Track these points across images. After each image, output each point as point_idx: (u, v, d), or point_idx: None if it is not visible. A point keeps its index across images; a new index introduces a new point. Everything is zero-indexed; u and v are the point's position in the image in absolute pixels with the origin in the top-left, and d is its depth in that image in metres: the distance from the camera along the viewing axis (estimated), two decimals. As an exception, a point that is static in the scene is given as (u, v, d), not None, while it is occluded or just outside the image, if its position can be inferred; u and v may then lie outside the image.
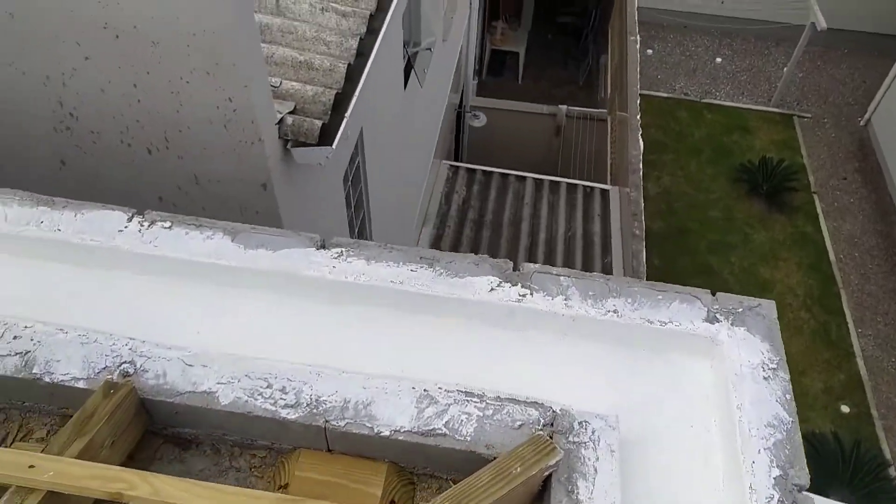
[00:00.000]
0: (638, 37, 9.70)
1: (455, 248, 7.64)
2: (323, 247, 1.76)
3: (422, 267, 1.71)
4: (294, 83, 3.01)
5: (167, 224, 1.80)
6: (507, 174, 8.60)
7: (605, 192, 8.32)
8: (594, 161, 9.51)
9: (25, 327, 1.57)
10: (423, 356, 1.62)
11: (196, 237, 1.77)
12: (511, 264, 1.72)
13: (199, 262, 1.73)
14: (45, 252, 1.75)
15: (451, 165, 8.68)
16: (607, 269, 7.25)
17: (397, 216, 6.29)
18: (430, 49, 5.76)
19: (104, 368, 1.51)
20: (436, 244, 7.66)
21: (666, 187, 12.39)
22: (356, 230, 4.61)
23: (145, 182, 2.90)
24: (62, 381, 1.49)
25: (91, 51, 2.42)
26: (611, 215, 7.95)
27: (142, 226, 1.79)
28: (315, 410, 1.45)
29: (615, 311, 1.62)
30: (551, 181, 8.50)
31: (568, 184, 8.44)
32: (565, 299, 1.64)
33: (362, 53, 3.32)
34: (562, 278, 1.68)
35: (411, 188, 7.11)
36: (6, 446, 1.54)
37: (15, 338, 1.55)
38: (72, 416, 1.56)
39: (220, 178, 2.83)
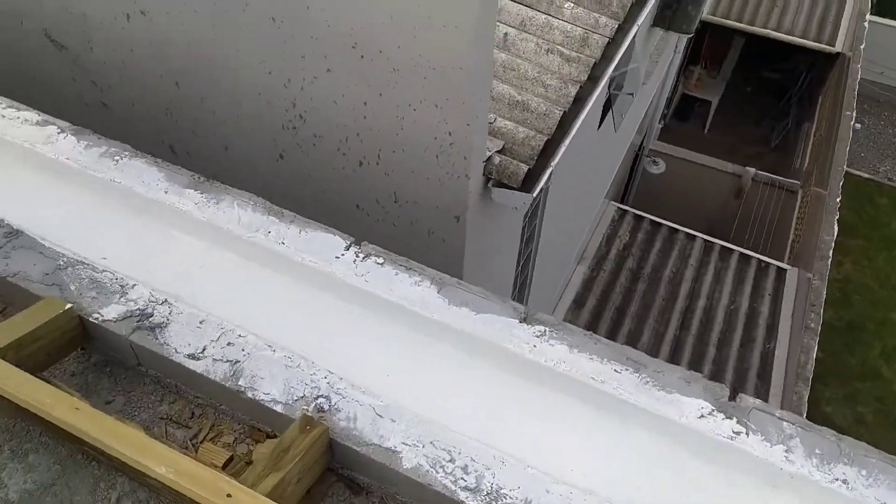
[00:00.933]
0: (854, 112, 8.85)
1: (606, 294, 7.38)
2: (526, 321, 1.69)
3: (627, 369, 1.60)
4: (507, 122, 2.99)
5: (380, 261, 1.82)
6: (677, 229, 8.17)
7: (781, 272, 7.66)
8: (774, 234, 8.81)
9: (239, 336, 1.65)
10: (612, 469, 1.50)
11: (404, 280, 1.78)
12: (727, 392, 1.56)
13: (402, 307, 1.73)
14: (268, 261, 1.83)
15: (620, 208, 8.40)
16: (768, 357, 6.67)
17: (557, 250, 6.16)
18: (631, 94, 5.58)
19: (301, 398, 1.54)
20: (587, 285, 7.44)
21: (846, 275, 11.25)
22: (521, 263, 4.55)
23: (349, 189, 3.01)
24: (262, 399, 1.53)
25: (335, 65, 2.53)
26: (783, 298, 7.31)
27: (357, 257, 1.82)
28: (494, 502, 1.39)
29: (844, 482, 1.41)
30: (723, 247, 7.97)
31: (741, 253, 7.87)
32: (786, 451, 1.46)
33: (579, 99, 3.24)
34: (785, 424, 1.50)
35: (577, 225, 6.95)
36: (196, 442, 1.62)
37: (229, 344, 1.63)
38: (259, 430, 1.60)
39: (417, 201, 2.87)
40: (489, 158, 2.82)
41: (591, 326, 7.03)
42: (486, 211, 3.02)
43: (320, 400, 1.53)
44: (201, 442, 1.62)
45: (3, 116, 2.12)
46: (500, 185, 2.84)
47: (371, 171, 2.87)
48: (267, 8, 2.49)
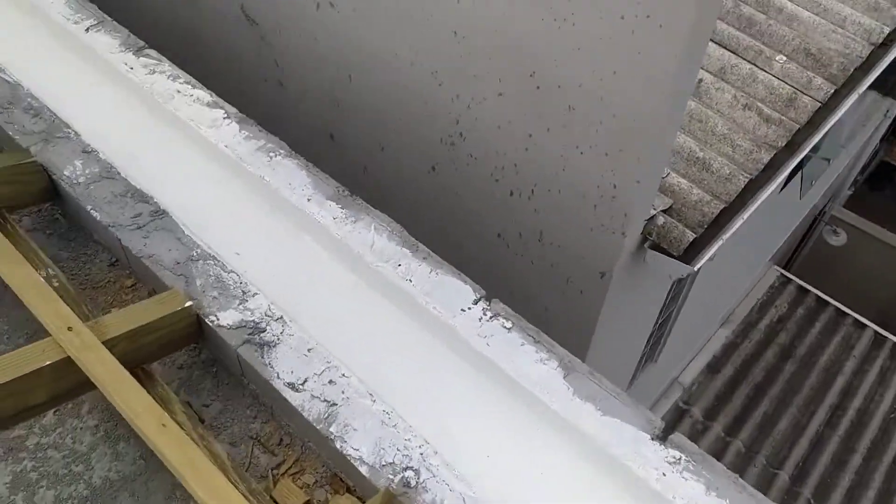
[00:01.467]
0: None
1: (747, 365, 6.72)
2: (660, 439, 1.44)
3: (771, 535, 1.31)
4: (682, 179, 2.69)
5: (508, 325, 1.64)
6: (846, 312, 7.27)
7: (964, 390, 6.59)
8: (964, 344, 7.59)
9: (343, 375, 1.54)
10: None
11: (529, 353, 1.59)
12: None
13: (521, 385, 1.54)
14: (391, 296, 1.72)
15: (782, 275, 7.61)
16: (926, 486, 5.75)
17: (701, 309, 5.66)
18: (828, 160, 4.96)
19: (390, 464, 1.40)
20: (727, 351, 6.81)
21: None
22: (659, 322, 4.19)
23: (494, 216, 2.85)
24: (349, 455, 1.41)
25: (507, 90, 2.37)
26: (960, 421, 6.28)
27: (484, 314, 1.65)
28: None
29: None
30: (896, 344, 6.99)
31: (918, 358, 6.86)
32: None
33: (770, 167, 2.86)
34: None
35: (730, 286, 6.36)
36: (277, 474, 1.53)
37: (330, 382, 1.53)
38: (342, 480, 1.49)
39: (562, 245, 2.66)
40: (652, 217, 2.54)
41: (723, 397, 6.44)
42: (635, 271, 2.74)
43: (408, 473, 1.39)
44: (282, 474, 1.54)
45: (179, 92, 2.16)
46: (658, 248, 2.56)
47: (521, 204, 2.69)
48: (451, 21, 2.38)
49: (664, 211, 2.59)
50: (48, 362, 1.33)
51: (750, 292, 7.28)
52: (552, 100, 2.25)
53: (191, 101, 2.14)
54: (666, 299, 3.72)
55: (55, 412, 1.58)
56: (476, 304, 1.67)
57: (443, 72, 2.58)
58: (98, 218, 1.80)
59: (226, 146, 2.01)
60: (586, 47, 2.04)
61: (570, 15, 2.02)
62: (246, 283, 1.70)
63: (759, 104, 2.94)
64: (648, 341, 4.30)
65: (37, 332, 1.58)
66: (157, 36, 4.37)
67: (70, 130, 2.02)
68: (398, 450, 1.43)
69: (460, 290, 1.70)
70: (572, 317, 2.91)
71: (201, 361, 1.73)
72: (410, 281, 1.71)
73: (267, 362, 1.54)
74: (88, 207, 1.82)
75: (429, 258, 1.77)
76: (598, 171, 2.28)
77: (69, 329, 1.38)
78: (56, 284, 1.66)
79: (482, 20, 2.29)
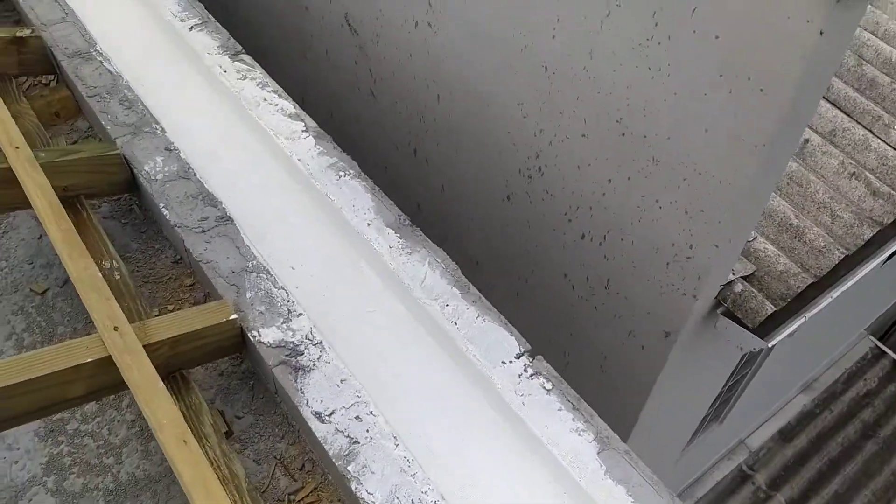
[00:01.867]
0: None
1: (823, 438, 6.26)
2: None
3: None
4: (769, 245, 2.52)
5: (548, 386, 1.57)
6: (945, 400, 6.65)
7: None
8: None
9: (371, 413, 1.51)
10: None
11: (565, 421, 1.51)
12: None
13: (551, 452, 1.47)
14: (433, 335, 1.68)
15: (877, 346, 7.05)
16: None
17: (778, 374, 5.31)
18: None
19: (402, 515, 1.36)
20: (803, 420, 6.38)
21: None
22: (728, 386, 3.95)
23: (562, 256, 2.77)
24: (363, 497, 1.38)
25: (591, 132, 2.29)
26: None
27: (524, 371, 1.59)
28: None
29: None
30: None
31: None
32: None
33: (871, 244, 2.63)
34: None
35: (815, 354, 5.95)
36: (294, 500, 1.52)
37: (357, 418, 1.50)
38: (355, 518, 1.46)
39: (629, 297, 2.54)
40: (730, 283, 2.38)
41: (792, 468, 6.03)
42: (703, 335, 2.58)
43: (419, 528, 1.34)
44: (298, 501, 1.53)
45: (265, 100, 2.21)
46: (732, 317, 2.40)
47: (591, 248, 2.59)
48: (543, 55, 2.32)
49: (744, 277, 2.43)
50: (89, 359, 1.37)
51: (838, 361, 6.79)
52: (636, 149, 2.15)
53: (274, 110, 2.18)
54: (737, 366, 3.50)
55: (97, 401, 1.64)
56: (518, 358, 1.61)
57: (529, 104, 2.53)
58: (167, 216, 1.86)
59: (299, 160, 2.04)
60: (679, 101, 1.94)
61: (667, 66, 1.92)
62: (293, 301, 1.70)
63: (869, 174, 2.71)
64: (714, 402, 4.06)
65: (91, 322, 1.64)
66: (264, 37, 4.56)
67: (157, 126, 2.10)
68: (412, 501, 1.38)
69: (504, 341, 1.64)
70: (631, 370, 2.78)
71: (241, 372, 1.75)
72: (455, 324, 1.67)
73: (299, 387, 1.53)
74: (161, 205, 1.88)
75: (478, 302, 1.72)
76: (676, 229, 2.16)
77: (115, 329, 1.42)
78: (117, 277, 1.72)
79: (574, 59, 2.22)
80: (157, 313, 1.86)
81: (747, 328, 2.34)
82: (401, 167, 3.70)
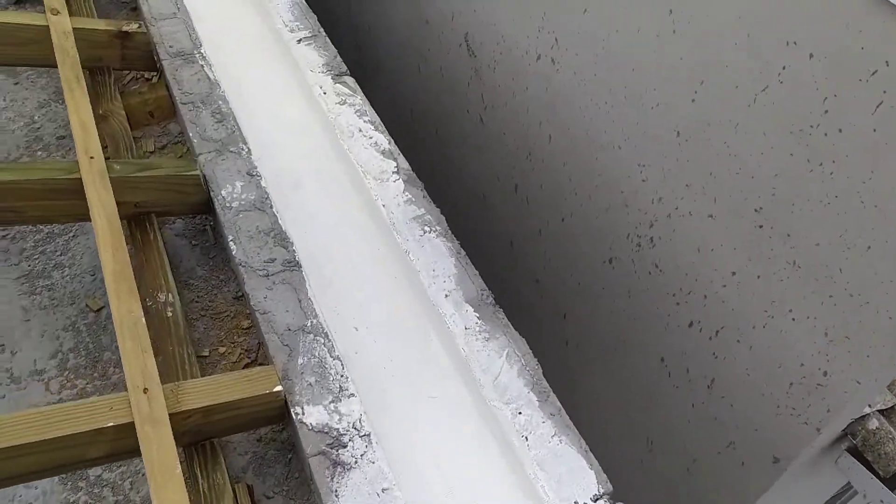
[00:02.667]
0: None
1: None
2: None
3: None
4: (918, 376, 2.09)
5: (626, 545, 1.28)
6: None
7: None
8: None
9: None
10: None
11: None
12: None
13: None
14: (498, 449, 1.43)
15: None
16: None
17: None
18: None
19: None
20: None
21: None
22: None
23: (664, 339, 2.44)
24: None
25: (722, 215, 1.96)
26: None
27: (599, 518, 1.31)
28: None
29: None
30: None
31: None
32: None
33: None
34: None
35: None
36: None
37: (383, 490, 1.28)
38: None
39: (734, 405, 2.19)
40: (863, 416, 1.99)
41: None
42: (820, 466, 2.19)
43: None
44: None
45: (360, 131, 2.03)
46: (859, 456, 2.00)
47: (698, 340, 2.25)
48: (679, 119, 2.01)
49: (883, 412, 2.02)
50: (111, 424, 1.22)
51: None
52: (774, 247, 1.81)
53: (368, 143, 2.00)
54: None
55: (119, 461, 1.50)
56: (595, 502, 1.33)
57: (651, 168, 2.22)
58: (234, 251, 1.71)
59: (383, 205, 1.84)
60: (841, 206, 1.59)
61: (832, 162, 1.58)
62: (347, 377, 1.50)
63: None
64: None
65: (130, 366, 1.51)
66: (380, 44, 4.44)
67: (244, 147, 1.96)
68: None
69: (581, 474, 1.37)
70: (724, 483, 2.42)
71: (281, 441, 1.57)
72: (526, 440, 1.41)
73: (334, 488, 1.33)
74: (229, 238, 1.73)
75: (557, 416, 1.45)
76: (809, 349, 1.80)
77: (144, 391, 1.27)
78: (169, 314, 1.59)
79: (714, 130, 1.90)
80: (206, 354, 1.72)
81: (878, 476, 1.94)
82: (499, 200, 3.46)
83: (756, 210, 1.85)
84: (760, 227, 1.85)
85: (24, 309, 1.75)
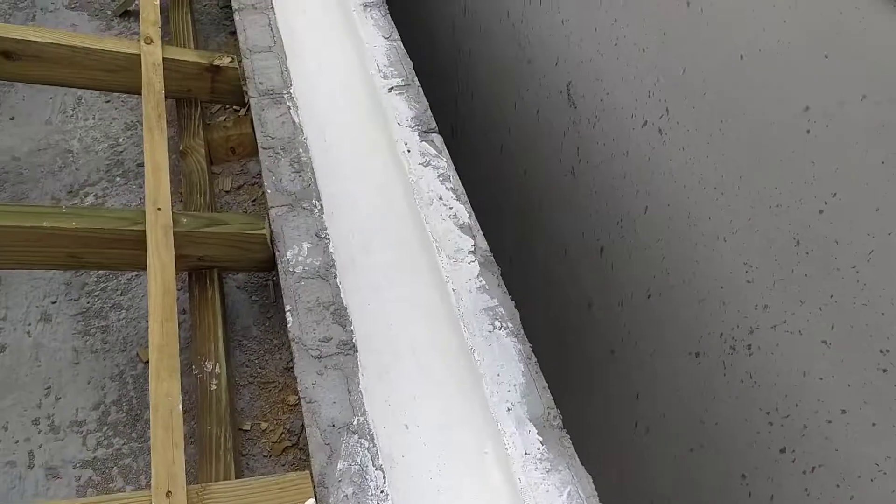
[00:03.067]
0: None
1: None
2: None
3: None
4: None
5: None
6: None
7: None
8: None
9: None
10: None
11: None
12: None
13: None
14: None
15: None
16: None
17: None
18: None
19: None
20: None
21: None
22: None
23: (747, 453, 2.18)
24: None
25: (839, 345, 1.70)
26: None
27: None
28: None
29: None
30: None
31: None
32: None
33: None
34: None
35: None
36: None
37: None
38: None
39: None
40: None
41: None
42: None
43: None
44: None
45: (440, 199, 1.89)
46: None
47: (790, 471, 1.99)
48: (800, 226, 1.76)
49: None
50: (127, 530, 1.13)
51: None
52: (901, 403, 1.54)
53: (446, 214, 1.85)
54: None
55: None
56: None
57: (760, 271, 1.97)
58: (290, 324, 1.60)
59: (454, 289, 1.69)
60: None
61: None
62: (387, 493, 1.36)
63: None
64: None
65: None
66: (480, 74, 4.30)
67: (317, 203, 1.86)
68: None
69: None
70: None
71: (309, 545, 1.44)
72: None
73: None
74: (288, 307, 1.63)
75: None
76: None
77: (168, 494, 1.17)
78: (213, 388, 1.49)
79: (843, 251, 1.64)
80: (247, 428, 1.62)
81: None
82: (581, 259, 3.25)
83: (882, 352, 1.58)
84: (885, 371, 1.58)
85: (76, 351, 1.71)
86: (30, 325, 1.73)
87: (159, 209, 1.59)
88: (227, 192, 2.09)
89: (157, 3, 2.15)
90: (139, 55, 1.97)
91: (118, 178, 2.11)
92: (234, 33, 2.63)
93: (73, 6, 2.74)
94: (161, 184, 1.62)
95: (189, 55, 2.08)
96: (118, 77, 2.00)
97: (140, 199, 2.05)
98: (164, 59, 2.00)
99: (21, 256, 1.51)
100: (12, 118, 2.27)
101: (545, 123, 3.43)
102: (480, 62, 4.33)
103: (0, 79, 1.97)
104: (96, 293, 1.81)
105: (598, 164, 2.94)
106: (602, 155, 2.88)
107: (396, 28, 2.59)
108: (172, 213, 1.62)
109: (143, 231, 1.56)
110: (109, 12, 2.74)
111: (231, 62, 2.15)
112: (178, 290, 1.61)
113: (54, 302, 1.78)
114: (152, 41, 2.01)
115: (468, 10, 4.42)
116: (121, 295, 1.82)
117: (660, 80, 2.35)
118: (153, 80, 1.89)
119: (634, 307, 2.84)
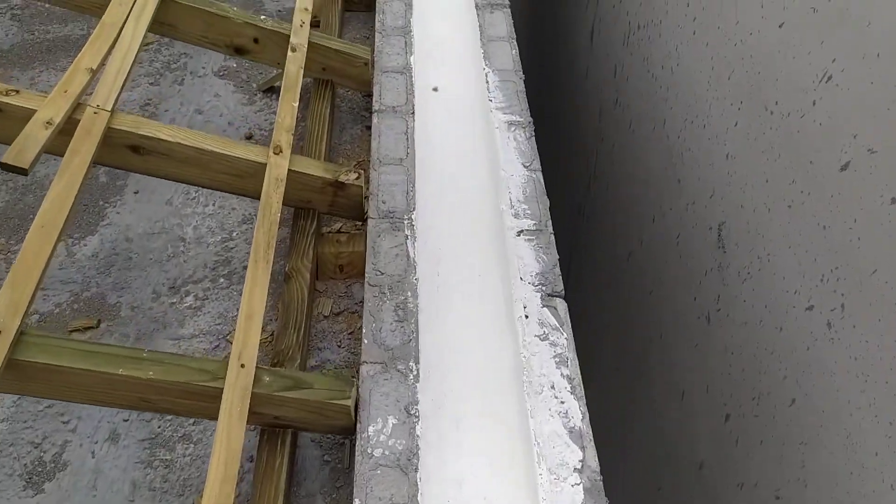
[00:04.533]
0: None
1: None
2: None
3: None
4: None
5: None
6: None
7: None
8: None
9: None
10: None
11: None
12: None
13: None
14: None
15: None
16: None
17: None
18: None
19: None
20: None
21: None
22: None
23: None
24: None
25: None
26: None
27: None
28: None
29: None
30: None
31: None
32: None
33: None
34: None
35: None
36: None
37: None
38: None
39: None
40: None
41: None
42: None
43: None
44: None
45: (552, 388, 1.63)
46: None
47: None
48: None
49: None
50: None
51: None
52: None
53: (556, 411, 1.59)
54: None
55: None
56: None
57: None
58: (353, 522, 1.40)
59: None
60: None
61: None
62: None
63: None
64: None
65: None
66: (621, 178, 4.01)
67: (413, 367, 1.66)
68: None
69: None
70: None
71: None
72: None
73: None
74: (356, 500, 1.43)
75: None
76: None
77: None
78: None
79: None
80: None
81: None
82: (700, 419, 2.86)
83: None
84: None
85: (134, 485, 1.60)
86: (96, 443, 1.64)
87: (243, 365, 1.45)
88: (325, 316, 1.94)
89: (296, 105, 2.06)
90: (265, 165, 1.87)
91: (222, 279, 2.02)
92: (369, 128, 2.51)
93: (221, 73, 2.75)
94: (251, 337, 1.48)
95: (315, 167, 1.96)
96: (243, 182, 1.91)
97: (237, 307, 1.95)
98: (289, 170, 1.89)
99: (92, 395, 1.42)
100: (136, 192, 2.26)
101: (685, 253, 3.08)
102: (623, 159, 4.03)
103: (125, 169, 1.94)
104: (169, 418, 1.70)
105: (741, 323, 2.57)
106: (748, 316, 2.51)
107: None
108: (256, 369, 1.47)
109: (220, 388, 1.42)
110: (255, 85, 2.72)
111: (357, 178, 2.01)
112: (245, 441, 1.46)
113: (126, 420, 1.69)
114: (281, 151, 1.90)
115: (619, 103, 4.15)
116: (192, 424, 1.70)
117: (839, 270, 1.98)
118: (272, 199, 1.77)
119: (762, 499, 2.44)
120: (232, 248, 2.11)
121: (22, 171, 1.54)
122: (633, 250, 3.84)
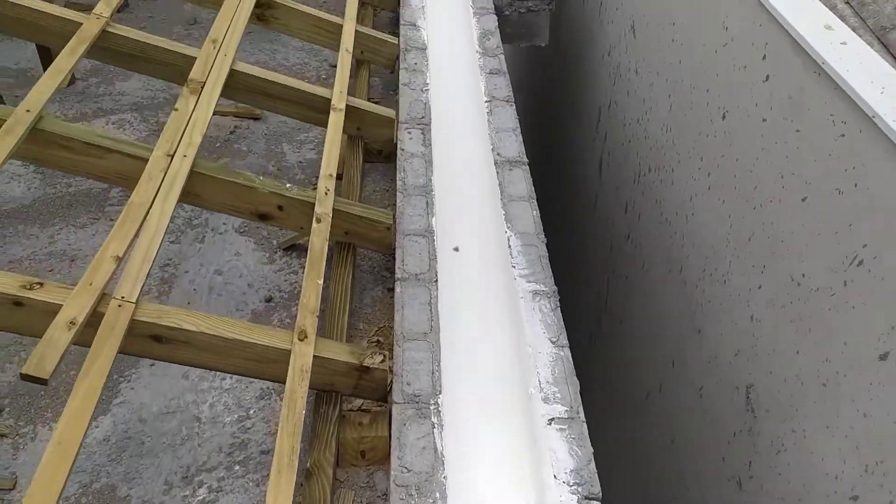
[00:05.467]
0: None
1: None
2: None
3: None
4: None
5: None
6: None
7: None
8: None
9: None
10: None
11: None
12: None
13: None
14: None
15: None
16: None
17: None
18: None
19: None
20: None
21: None
22: None
23: None
24: None
25: None
26: None
27: None
28: None
29: None
30: None
31: None
32: None
33: None
34: None
35: None
36: None
37: None
38: None
39: None
40: None
41: None
42: None
43: None
44: None
45: None
46: None
47: None
48: None
49: None
50: None
51: None
52: None
53: None
54: None
55: None
56: None
57: None
58: None
59: None
60: None
61: None
62: None
63: None
64: None
65: None
66: (622, 322, 3.97)
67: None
68: None
69: None
70: None
71: None
72: None
73: None
74: None
75: None
76: None
77: None
78: None
79: None
80: None
81: None
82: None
83: None
84: None
85: None
86: None
87: None
88: (346, 512, 1.83)
89: (321, 282, 2.04)
90: (289, 352, 1.82)
91: (237, 467, 1.92)
92: (391, 290, 2.48)
93: (242, 230, 2.76)
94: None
95: (340, 352, 1.91)
96: (267, 368, 1.86)
97: (252, 500, 1.84)
98: (314, 356, 1.84)
99: None
100: (152, 364, 2.20)
101: (710, 407, 2.99)
102: (637, 296, 4.01)
103: (146, 357, 1.89)
104: None
105: (777, 498, 2.45)
106: (784, 491, 2.39)
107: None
108: None
109: None
110: (275, 243, 2.72)
111: (382, 362, 1.96)
112: None
113: None
114: (306, 336, 1.86)
115: (631, 239, 4.18)
116: None
117: (885, 464, 1.89)
118: (297, 394, 1.70)
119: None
120: (249, 429, 2.03)
121: (42, 382, 1.48)
122: (650, 391, 3.74)
